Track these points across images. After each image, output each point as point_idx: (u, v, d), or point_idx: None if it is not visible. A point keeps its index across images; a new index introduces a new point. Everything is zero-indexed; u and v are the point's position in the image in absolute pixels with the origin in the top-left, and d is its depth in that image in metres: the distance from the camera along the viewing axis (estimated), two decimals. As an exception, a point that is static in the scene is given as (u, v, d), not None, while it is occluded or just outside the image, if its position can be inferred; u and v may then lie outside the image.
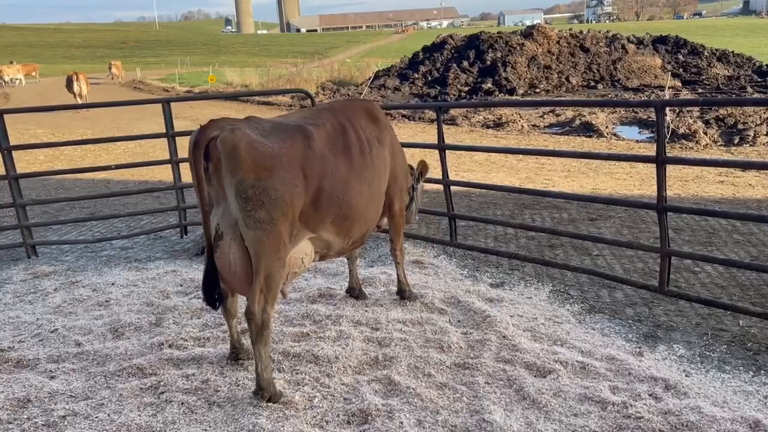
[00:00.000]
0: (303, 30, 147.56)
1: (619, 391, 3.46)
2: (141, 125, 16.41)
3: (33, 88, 36.73)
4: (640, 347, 3.97)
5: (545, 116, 15.43)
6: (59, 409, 3.48)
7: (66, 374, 3.90)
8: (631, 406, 3.29)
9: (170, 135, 6.25)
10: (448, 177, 5.74)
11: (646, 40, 28.79)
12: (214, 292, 3.51)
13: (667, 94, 14.08)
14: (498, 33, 27.10)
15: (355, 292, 4.88)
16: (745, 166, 7.00)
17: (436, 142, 5.80)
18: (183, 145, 6.67)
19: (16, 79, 39.31)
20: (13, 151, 6.12)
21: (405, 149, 10.92)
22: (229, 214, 3.35)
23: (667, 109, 12.68)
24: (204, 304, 3.68)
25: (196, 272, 5.59)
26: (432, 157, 9.95)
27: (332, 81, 28.00)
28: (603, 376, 3.61)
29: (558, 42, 25.60)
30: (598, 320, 4.42)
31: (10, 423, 3.40)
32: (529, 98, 21.38)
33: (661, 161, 4.17)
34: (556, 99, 20.12)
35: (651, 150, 11.19)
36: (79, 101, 24.50)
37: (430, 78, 24.85)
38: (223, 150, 3.23)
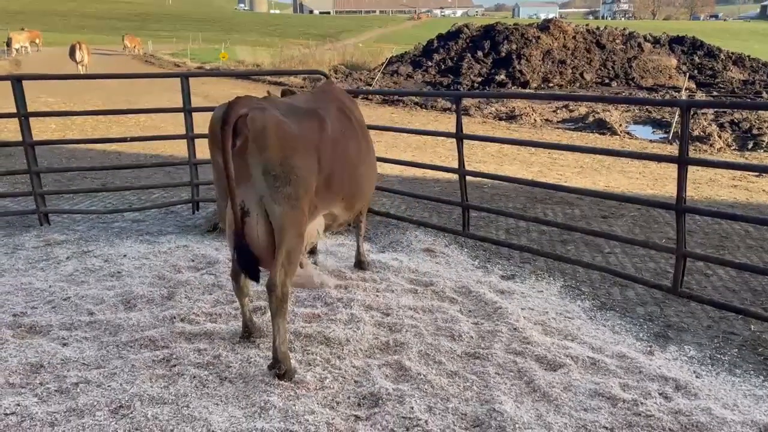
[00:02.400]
0: (316, 11, 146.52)
1: (629, 388, 3.47)
2: (152, 99, 16.37)
3: (43, 56, 36.62)
4: (650, 346, 3.98)
5: (558, 111, 15.34)
6: (72, 376, 3.51)
7: (78, 342, 3.92)
8: (641, 403, 3.30)
9: (187, 110, 6.23)
10: (464, 167, 5.71)
11: (662, 39, 28.51)
12: (254, 266, 3.48)
13: (684, 96, 13.97)
14: (514, 25, 26.86)
15: (363, 265, 5.12)
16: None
17: (450, 130, 5.77)
18: (199, 122, 6.65)
19: (23, 46, 39.06)
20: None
21: (422, 137, 10.86)
22: (254, 191, 3.39)
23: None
24: (224, 280, 3.69)
25: (207, 248, 5.61)
26: (444, 146, 9.96)
27: (344, 64, 27.84)
28: (613, 373, 3.62)
29: (574, 37, 25.37)
30: (609, 317, 4.42)
31: (23, 387, 3.43)
32: (542, 92, 21.24)
33: (683, 162, 4.15)
34: (578, 94, 19.94)
35: (664, 150, 11.14)
36: (81, 69, 24.68)
37: (443, 67, 24.69)
38: (253, 128, 3.28)
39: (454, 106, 16.34)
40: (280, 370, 3.47)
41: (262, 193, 3.37)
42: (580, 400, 3.35)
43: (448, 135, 6.12)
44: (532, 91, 21.28)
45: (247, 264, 3.47)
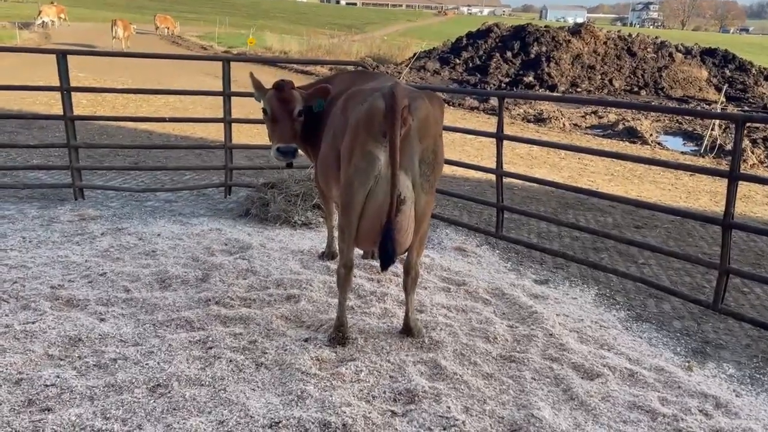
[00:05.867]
0: (343, 2, 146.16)
1: (668, 403, 3.42)
2: (181, 80, 16.43)
3: (72, 31, 36.86)
4: (689, 362, 3.92)
5: (587, 117, 15.17)
6: (110, 352, 3.54)
7: (115, 318, 3.95)
8: (681, 419, 3.25)
9: (226, 94, 6.23)
10: (502, 167, 5.66)
11: (694, 50, 28.09)
12: (391, 254, 3.46)
13: (718, 109, 13.76)
14: (545, 27, 26.61)
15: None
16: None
17: (478, 128, 5.72)
18: (236, 104, 6.67)
19: (51, 20, 39.20)
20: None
21: (462, 135, 10.72)
22: (410, 179, 3.44)
23: (716, 124, 12.41)
24: (378, 265, 3.73)
25: (240, 233, 5.62)
26: (472, 145, 9.89)
27: (371, 57, 27.73)
28: (652, 387, 3.58)
29: (605, 43, 25.04)
30: (645, 329, 4.36)
31: (62, 360, 3.46)
32: (591, 97, 20.76)
33: (734, 177, 4.07)
34: (628, 101, 19.36)
35: (696, 162, 10.97)
36: (119, 46, 25.48)
37: (471, 65, 24.50)
38: (417, 117, 3.38)
39: (482, 105, 16.33)
40: (419, 334, 3.88)
41: (415, 180, 3.44)
42: (618, 411, 3.31)
43: (488, 135, 6.06)
44: (559, 94, 21.06)
45: (390, 254, 3.42)
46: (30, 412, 3.00)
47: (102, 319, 3.93)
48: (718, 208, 7.74)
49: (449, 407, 3.21)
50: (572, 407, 3.33)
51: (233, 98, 6.36)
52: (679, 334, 4.31)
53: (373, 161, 3.42)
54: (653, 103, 20.62)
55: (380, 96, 3.39)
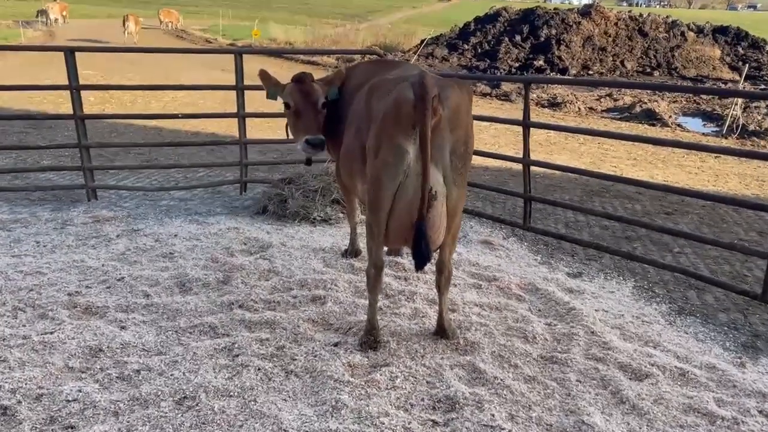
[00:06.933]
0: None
1: (725, 404, 3.22)
2: (188, 75, 16.26)
3: (76, 28, 36.69)
4: (740, 357, 3.71)
5: (602, 100, 14.85)
6: (133, 363, 3.37)
7: (137, 326, 3.78)
8: (742, 422, 3.05)
9: (240, 88, 6.02)
10: (529, 156, 5.43)
11: (706, 29, 27.57)
12: (426, 252, 3.24)
13: (741, 87, 13.43)
14: (554, 9, 26.16)
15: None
16: None
17: (492, 115, 5.47)
18: (250, 98, 6.45)
19: (56, 18, 38.99)
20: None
21: (486, 123, 10.50)
22: (441, 173, 3.24)
23: (738, 104, 12.08)
24: (413, 266, 3.41)
25: (258, 231, 5.44)
26: (488, 132, 9.64)
27: (378, 45, 27.37)
28: (705, 386, 3.37)
29: (616, 24, 24.59)
30: (690, 323, 4.15)
31: (83, 372, 3.30)
32: (621, 80, 20.28)
33: (785, 161, 3.83)
34: (671, 84, 18.98)
35: (720, 143, 10.66)
36: (129, 38, 25.94)
37: (480, 50, 24.14)
38: (448, 107, 3.19)
39: (493, 91, 16.03)
40: (453, 335, 3.70)
41: (446, 174, 3.25)
42: (673, 415, 3.11)
43: (513, 122, 5.83)
44: (571, 77, 20.67)
45: (425, 253, 3.20)
46: (53, 430, 2.84)
47: (122, 327, 3.76)
48: (749, 191, 7.50)
49: (493, 415, 3.03)
50: (624, 411, 3.13)
51: (251, 92, 6.14)
52: (726, 328, 4.10)
53: (402, 155, 3.21)
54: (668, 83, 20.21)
55: (408, 86, 3.18)
